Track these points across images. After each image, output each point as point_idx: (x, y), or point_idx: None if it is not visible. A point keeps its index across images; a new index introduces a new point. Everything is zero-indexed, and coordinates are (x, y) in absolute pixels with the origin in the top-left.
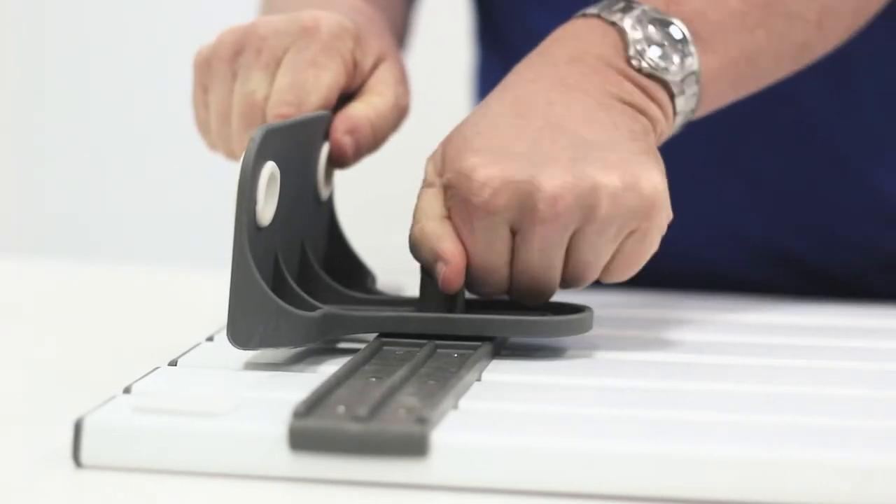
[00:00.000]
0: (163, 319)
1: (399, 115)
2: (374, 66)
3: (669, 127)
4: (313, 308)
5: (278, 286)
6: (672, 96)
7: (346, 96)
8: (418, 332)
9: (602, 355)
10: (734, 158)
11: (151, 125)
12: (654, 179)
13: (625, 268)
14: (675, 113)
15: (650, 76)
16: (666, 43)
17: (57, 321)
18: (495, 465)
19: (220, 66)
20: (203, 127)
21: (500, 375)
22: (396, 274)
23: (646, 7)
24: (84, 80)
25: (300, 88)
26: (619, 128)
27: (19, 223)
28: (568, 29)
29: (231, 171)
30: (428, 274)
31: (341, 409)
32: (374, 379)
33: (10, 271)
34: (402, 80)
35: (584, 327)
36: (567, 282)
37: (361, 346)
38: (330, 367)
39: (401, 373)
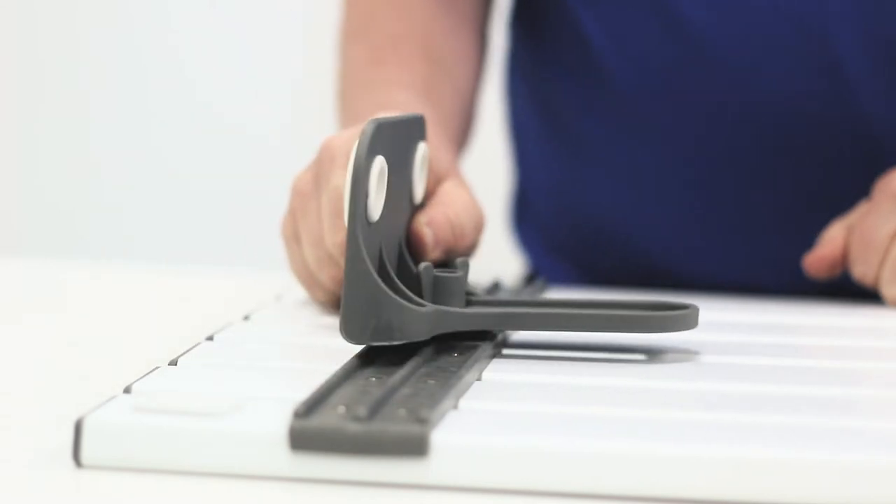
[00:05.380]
0: (163, 319)
1: (477, 218)
2: (437, 183)
3: None
4: (420, 305)
5: (384, 282)
6: None
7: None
8: (528, 328)
9: (601, 355)
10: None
11: (151, 125)
12: None
13: None
14: None
15: None
16: None
17: (57, 321)
18: (495, 465)
19: (301, 199)
20: (299, 271)
21: (500, 375)
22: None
23: None
24: (83, 78)
25: None
26: None
27: (19, 223)
28: None
29: (231, 172)
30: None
31: (341, 409)
32: (374, 379)
33: (10, 271)
34: (468, 191)
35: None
36: None
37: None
38: (330, 367)
39: (401, 373)
